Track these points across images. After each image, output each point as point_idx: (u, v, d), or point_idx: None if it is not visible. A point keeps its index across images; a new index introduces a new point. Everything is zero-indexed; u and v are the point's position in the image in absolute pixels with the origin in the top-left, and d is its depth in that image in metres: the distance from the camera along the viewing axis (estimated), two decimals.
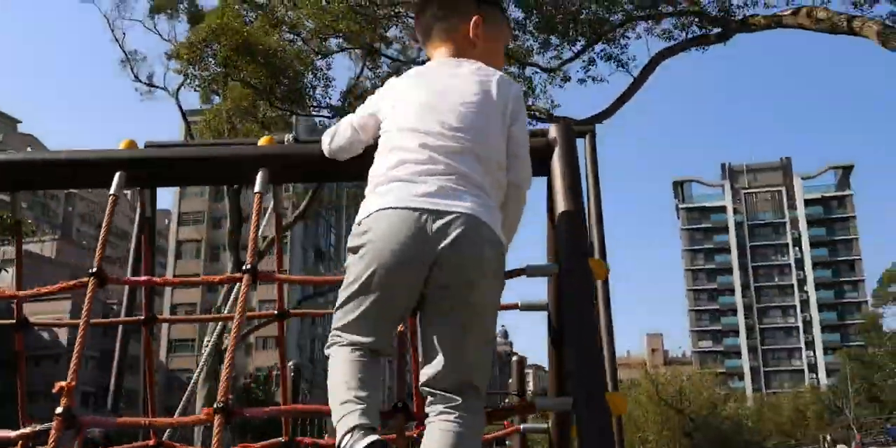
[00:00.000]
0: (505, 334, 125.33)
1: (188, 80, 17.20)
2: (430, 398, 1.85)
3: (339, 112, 17.38)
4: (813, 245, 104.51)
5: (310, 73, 16.34)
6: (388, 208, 1.83)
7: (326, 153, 2.21)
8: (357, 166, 2.33)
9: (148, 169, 2.32)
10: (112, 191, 2.25)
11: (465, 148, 1.91)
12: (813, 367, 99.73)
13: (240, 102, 17.71)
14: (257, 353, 59.49)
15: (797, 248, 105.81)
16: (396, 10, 16.49)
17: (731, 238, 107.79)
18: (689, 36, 15.29)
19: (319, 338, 61.45)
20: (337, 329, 1.90)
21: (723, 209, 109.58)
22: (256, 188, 2.29)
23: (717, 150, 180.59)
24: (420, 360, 1.94)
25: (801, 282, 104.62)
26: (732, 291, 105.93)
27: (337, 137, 2.18)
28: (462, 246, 1.79)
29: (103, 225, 2.23)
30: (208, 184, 2.53)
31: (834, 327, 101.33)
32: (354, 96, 19.00)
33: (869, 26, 11.87)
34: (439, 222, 1.79)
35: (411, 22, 17.08)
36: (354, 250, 1.88)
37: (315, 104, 16.50)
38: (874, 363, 58.55)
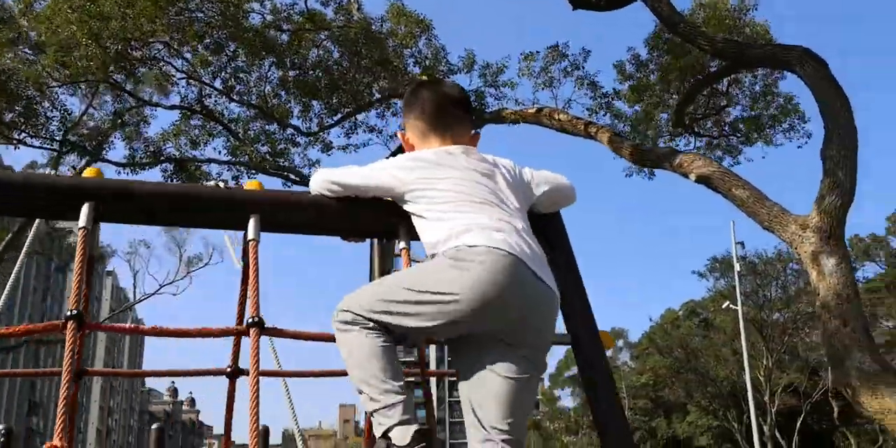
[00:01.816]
0: (192, 402, 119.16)
1: None
2: (483, 435, 1.89)
3: (74, 148, 15.91)
4: None
5: (46, 100, 14.83)
6: (494, 248, 1.93)
7: (315, 183, 2.26)
8: (340, 221, 2.28)
9: (128, 203, 2.04)
10: (82, 223, 1.96)
11: (516, 221, 2.09)
12: None
13: None
14: None
15: None
16: (151, 53, 15.64)
17: None
18: None
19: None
20: (373, 313, 1.90)
21: None
22: (250, 235, 2.12)
23: None
24: (473, 394, 1.95)
25: None
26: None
27: (334, 178, 2.23)
28: (546, 298, 1.99)
29: (77, 262, 1.91)
30: (188, 226, 2.28)
31: None
32: (87, 132, 17.54)
33: (602, 133, 13.37)
34: (534, 274, 1.97)
35: (168, 68, 16.28)
36: (455, 260, 1.92)
37: (49, 136, 14.93)
38: (552, 436, 63.78)
